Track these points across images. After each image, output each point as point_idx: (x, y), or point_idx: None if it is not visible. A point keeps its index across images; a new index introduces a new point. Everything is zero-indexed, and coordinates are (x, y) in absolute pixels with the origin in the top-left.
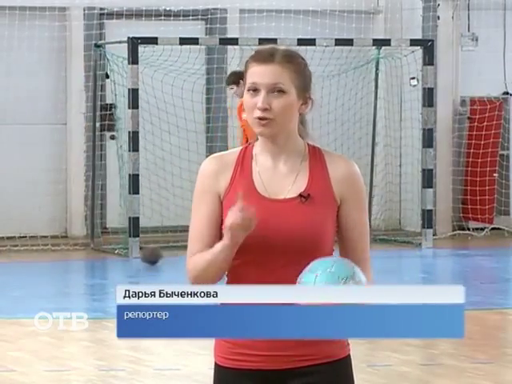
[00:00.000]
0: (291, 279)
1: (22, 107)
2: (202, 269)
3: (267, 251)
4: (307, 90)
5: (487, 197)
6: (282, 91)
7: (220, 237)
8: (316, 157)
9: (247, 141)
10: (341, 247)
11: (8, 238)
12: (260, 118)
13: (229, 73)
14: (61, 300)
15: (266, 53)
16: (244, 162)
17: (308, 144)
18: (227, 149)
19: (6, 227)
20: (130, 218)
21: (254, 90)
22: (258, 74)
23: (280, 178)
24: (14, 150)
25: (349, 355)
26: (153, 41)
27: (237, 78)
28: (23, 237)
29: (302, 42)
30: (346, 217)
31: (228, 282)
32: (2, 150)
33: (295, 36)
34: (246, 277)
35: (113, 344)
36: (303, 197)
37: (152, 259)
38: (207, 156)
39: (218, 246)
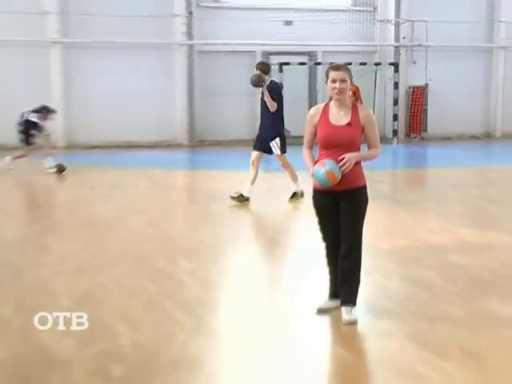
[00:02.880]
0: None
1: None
2: (304, 159)
3: (333, 146)
4: (352, 80)
5: (418, 124)
6: (345, 81)
7: (314, 137)
8: (354, 108)
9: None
10: (367, 144)
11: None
12: (337, 92)
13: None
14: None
15: (337, 66)
16: (325, 110)
17: (352, 102)
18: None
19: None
20: None
21: (333, 81)
22: (335, 75)
23: (340, 117)
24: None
25: (365, 184)
26: (287, 64)
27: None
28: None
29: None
30: (367, 132)
31: (318, 157)
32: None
33: (342, 61)
34: (323, 156)
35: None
36: (349, 124)
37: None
38: (310, 107)
39: (310, 165)
